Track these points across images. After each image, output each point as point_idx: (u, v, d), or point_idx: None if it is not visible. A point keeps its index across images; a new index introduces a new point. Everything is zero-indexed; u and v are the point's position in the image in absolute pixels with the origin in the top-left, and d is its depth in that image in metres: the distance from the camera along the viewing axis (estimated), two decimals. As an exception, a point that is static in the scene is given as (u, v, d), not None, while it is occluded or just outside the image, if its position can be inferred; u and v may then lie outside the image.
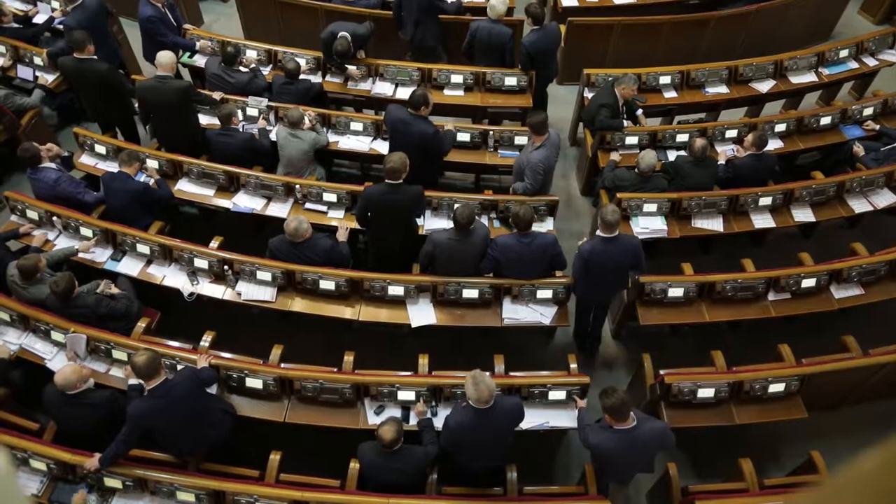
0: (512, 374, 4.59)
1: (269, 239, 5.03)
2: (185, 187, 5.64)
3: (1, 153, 6.24)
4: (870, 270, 5.09)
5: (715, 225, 5.56)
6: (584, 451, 4.69)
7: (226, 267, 4.98)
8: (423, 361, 4.63)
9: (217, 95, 5.96)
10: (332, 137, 5.99)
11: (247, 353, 4.64)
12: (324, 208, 5.52)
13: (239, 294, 4.96)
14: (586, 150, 6.21)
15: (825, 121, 6.21)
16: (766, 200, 5.57)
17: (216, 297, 4.98)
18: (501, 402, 3.87)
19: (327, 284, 4.89)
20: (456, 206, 5.11)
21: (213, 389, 4.37)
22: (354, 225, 5.31)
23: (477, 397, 3.71)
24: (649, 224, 5.48)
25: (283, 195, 5.55)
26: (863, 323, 5.30)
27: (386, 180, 4.82)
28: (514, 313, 4.93)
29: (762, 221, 5.60)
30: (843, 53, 6.72)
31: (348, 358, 4.64)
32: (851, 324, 5.27)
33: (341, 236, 5.14)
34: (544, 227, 5.41)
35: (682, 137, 6.05)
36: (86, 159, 5.84)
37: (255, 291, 4.96)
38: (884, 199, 5.73)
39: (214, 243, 5.17)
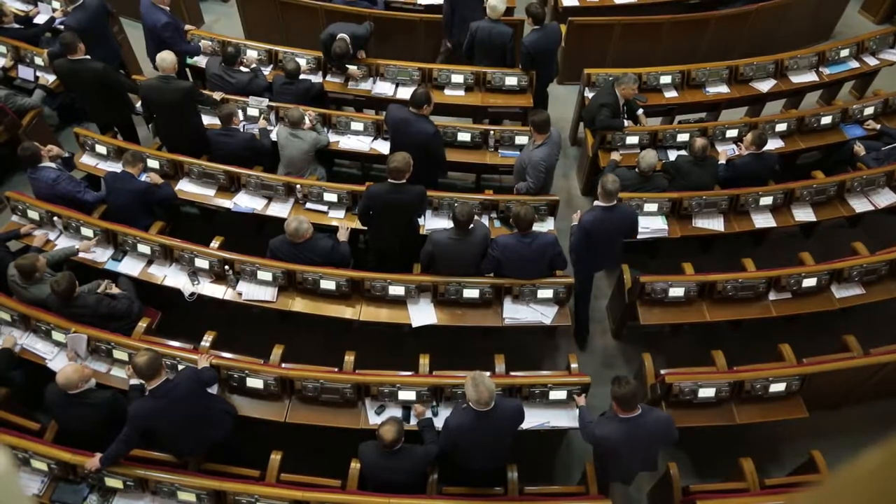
0: (512, 373, 4.59)
1: (270, 239, 5.04)
2: (186, 187, 5.64)
3: (2, 153, 6.24)
4: (871, 270, 5.09)
5: (715, 224, 5.56)
6: (585, 450, 4.71)
7: (226, 267, 4.98)
8: (424, 361, 4.63)
9: (218, 95, 5.97)
10: (332, 137, 5.99)
11: (247, 353, 4.64)
12: (324, 208, 5.52)
13: (240, 294, 4.97)
14: (587, 149, 6.21)
15: (826, 120, 6.20)
16: (766, 200, 5.56)
17: (217, 297, 4.99)
18: (502, 404, 3.86)
19: (328, 284, 4.89)
20: (455, 205, 5.12)
21: (213, 389, 4.37)
22: (355, 225, 5.31)
23: (477, 399, 3.71)
24: (650, 224, 5.47)
25: (284, 195, 5.55)
26: (863, 322, 5.29)
27: (389, 179, 4.83)
28: (515, 313, 4.93)
29: (763, 221, 5.60)
30: (844, 53, 6.71)
31: (349, 358, 4.65)
32: (852, 323, 5.26)
33: (342, 236, 5.14)
34: (545, 226, 5.41)
35: (682, 137, 6.04)
36: (86, 159, 5.84)
37: (256, 291, 4.97)
38: (884, 198, 5.72)
39: (215, 243, 5.18)
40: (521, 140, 5.87)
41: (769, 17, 7.34)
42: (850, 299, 5.09)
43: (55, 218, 5.23)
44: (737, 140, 6.06)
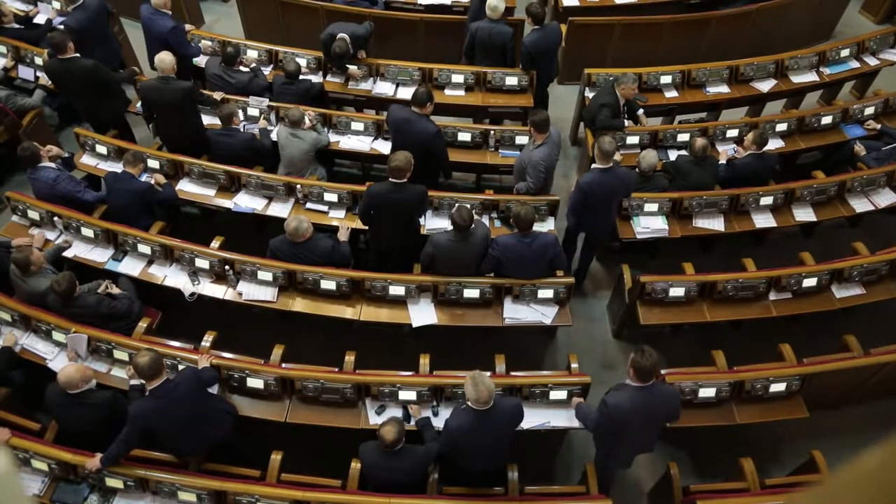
0: (513, 373, 4.59)
1: (270, 239, 5.04)
2: (186, 187, 5.64)
3: (2, 153, 6.25)
4: (871, 270, 5.08)
5: (716, 224, 5.56)
6: (585, 450, 4.72)
7: (227, 267, 4.98)
8: (424, 361, 4.62)
9: (218, 95, 5.97)
10: (332, 137, 5.99)
11: (248, 353, 4.64)
12: (325, 208, 5.52)
13: (240, 294, 4.97)
14: (587, 149, 6.20)
15: (826, 120, 6.20)
16: (767, 200, 5.56)
17: (217, 297, 4.99)
18: (501, 402, 3.86)
19: (328, 284, 4.89)
20: (454, 207, 5.11)
21: (214, 389, 4.37)
22: (355, 225, 5.31)
23: (476, 398, 3.71)
24: (650, 224, 5.48)
25: (284, 195, 5.55)
26: (864, 322, 5.29)
27: (390, 179, 4.83)
28: (515, 313, 4.93)
29: (763, 221, 5.59)
30: (844, 53, 6.71)
31: (349, 358, 4.65)
32: (852, 323, 5.26)
33: (342, 236, 5.14)
34: (545, 226, 5.41)
35: (682, 137, 6.04)
36: (87, 159, 5.84)
37: (256, 291, 4.97)
38: (885, 198, 5.72)
39: (215, 243, 5.18)
40: (521, 140, 5.87)
41: (769, 17, 7.34)
42: (851, 299, 5.09)
43: (55, 218, 5.23)
44: (737, 140, 6.06)
